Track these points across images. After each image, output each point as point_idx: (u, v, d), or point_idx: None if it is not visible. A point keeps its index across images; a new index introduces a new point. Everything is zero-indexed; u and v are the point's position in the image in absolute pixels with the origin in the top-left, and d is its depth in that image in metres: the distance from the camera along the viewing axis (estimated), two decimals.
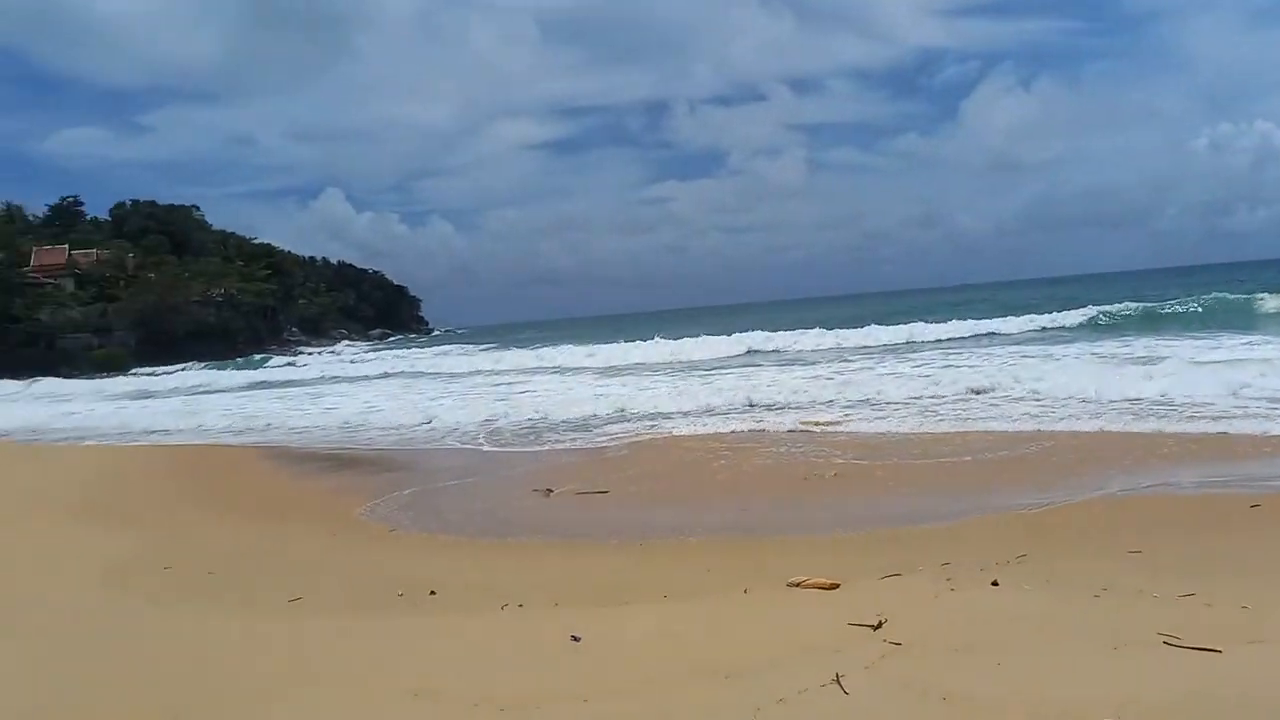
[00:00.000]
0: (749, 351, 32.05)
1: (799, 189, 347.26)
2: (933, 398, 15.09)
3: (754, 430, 13.71)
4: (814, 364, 24.36)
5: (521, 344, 55.55)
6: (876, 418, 13.80)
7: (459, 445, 14.82)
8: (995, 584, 5.41)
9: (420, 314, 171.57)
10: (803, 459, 11.25)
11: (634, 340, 40.32)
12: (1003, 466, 9.98)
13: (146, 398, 34.16)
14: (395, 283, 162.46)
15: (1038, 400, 13.86)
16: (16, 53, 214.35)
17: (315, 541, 8.50)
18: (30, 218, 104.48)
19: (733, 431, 13.73)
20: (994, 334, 32.09)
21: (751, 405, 15.98)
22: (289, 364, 50.18)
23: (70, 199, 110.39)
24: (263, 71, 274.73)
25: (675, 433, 14.15)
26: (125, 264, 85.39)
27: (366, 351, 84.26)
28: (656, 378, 24.41)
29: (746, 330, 38.32)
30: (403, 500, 10.48)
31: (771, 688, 3.97)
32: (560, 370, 31.00)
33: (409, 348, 77.99)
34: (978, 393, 14.88)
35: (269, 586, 6.70)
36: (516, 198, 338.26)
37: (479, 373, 33.11)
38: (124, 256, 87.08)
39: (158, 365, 69.56)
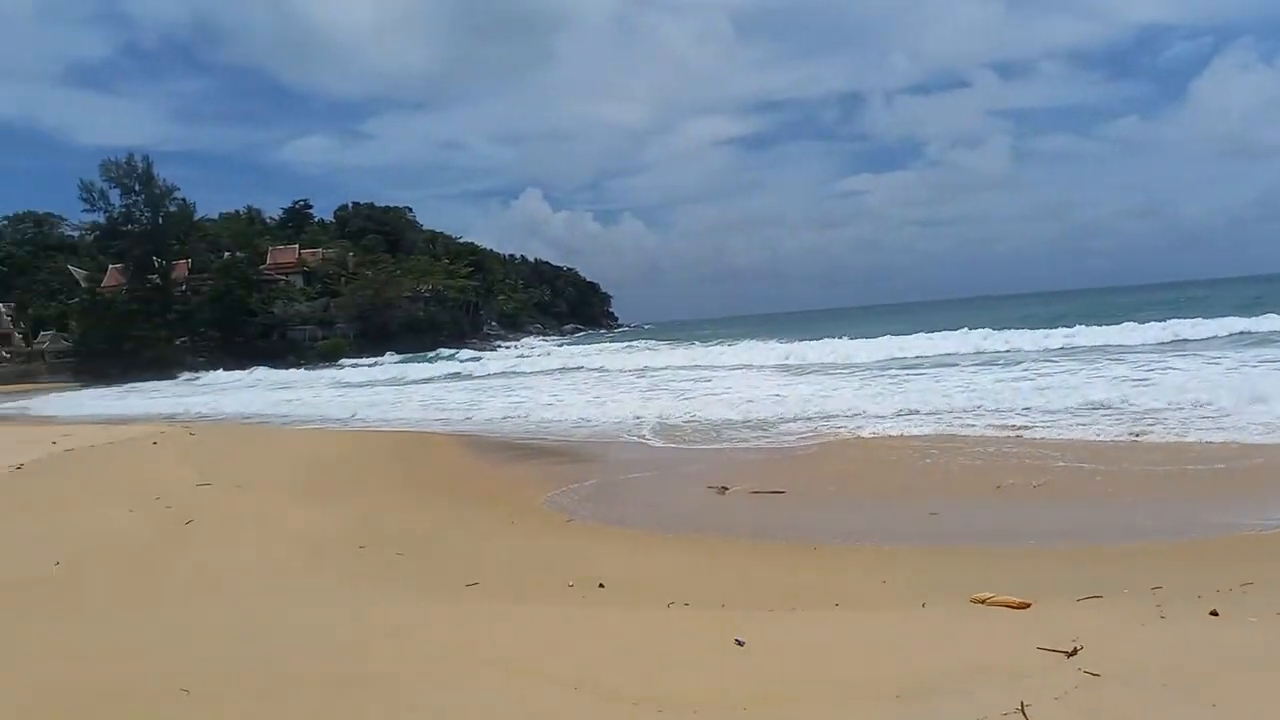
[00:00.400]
0: (942, 353, 30.39)
1: (1002, 179, 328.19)
2: (1144, 404, 13.74)
3: (946, 433, 13.00)
4: (1015, 365, 22.84)
5: (707, 340, 55.78)
6: (1078, 424, 12.73)
7: (640, 440, 14.99)
8: (1214, 614, 4.80)
9: (610, 310, 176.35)
10: (994, 465, 10.54)
11: (821, 338, 39.40)
12: (1224, 481, 8.93)
13: (361, 386, 36.97)
14: (587, 279, 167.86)
15: (1268, 409, 12.25)
16: (261, 71, 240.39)
17: (496, 528, 8.81)
18: (267, 220, 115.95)
19: (924, 434, 13.09)
20: (1241, 334, 28.16)
21: (946, 409, 15.10)
22: (473, 359, 52.63)
23: (301, 202, 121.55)
24: (470, 79, 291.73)
25: (861, 434, 13.64)
26: (347, 262, 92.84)
27: (557, 346, 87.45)
28: (844, 376, 23.69)
29: (938, 329, 36.48)
30: (583, 491, 10.71)
31: (947, 713, 3.68)
32: (746, 367, 30.70)
33: (597, 343, 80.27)
34: (1197, 403, 13.36)
35: (449, 570, 7.00)
36: (706, 194, 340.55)
37: (666, 368, 33.33)
38: (346, 255, 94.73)
39: (373, 356, 75.26)
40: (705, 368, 31.92)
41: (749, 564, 7.06)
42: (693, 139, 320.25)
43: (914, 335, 34.17)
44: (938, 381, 19.65)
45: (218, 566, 7.45)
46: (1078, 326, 31.89)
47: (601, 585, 6.33)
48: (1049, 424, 12.89)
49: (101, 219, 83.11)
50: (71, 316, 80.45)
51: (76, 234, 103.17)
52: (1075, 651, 4.27)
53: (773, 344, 39.36)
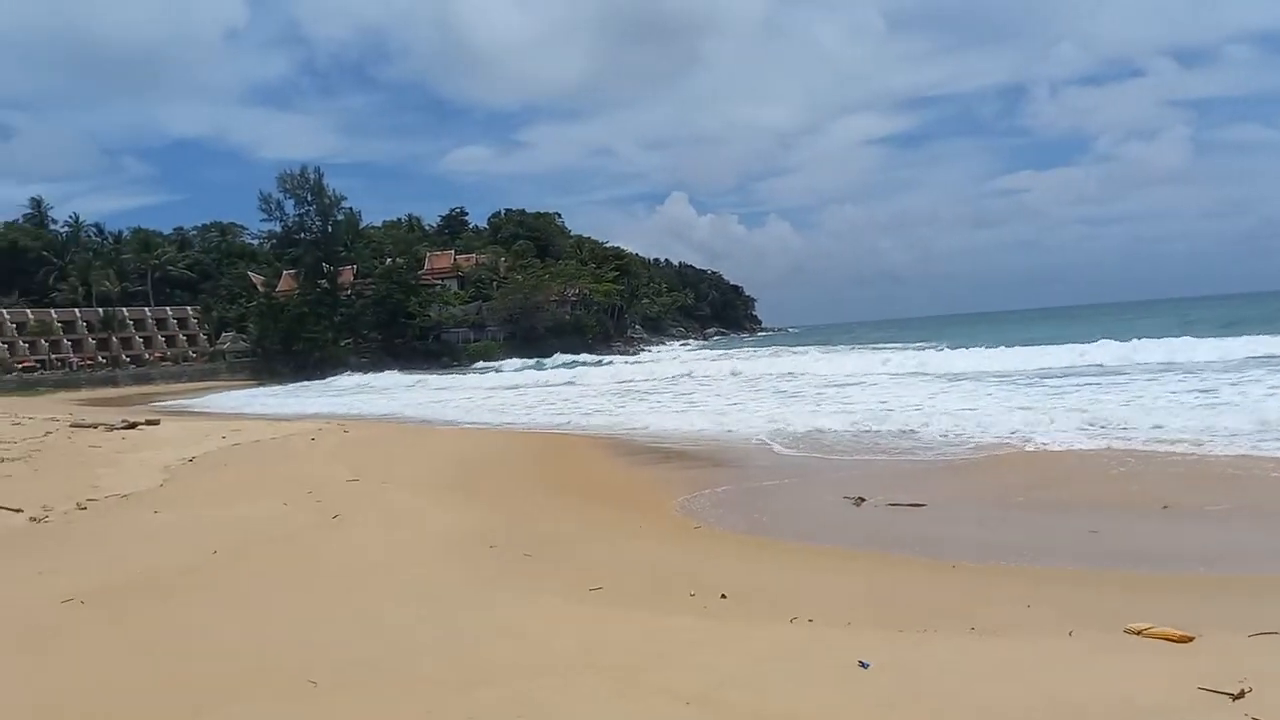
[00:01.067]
0: (1109, 360, 28.20)
1: (1181, 173, 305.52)
2: None
3: (1110, 448, 12.08)
4: (1191, 375, 21.04)
5: (853, 343, 54.40)
6: (1261, 442, 11.51)
7: (776, 447, 14.69)
8: None
9: (754, 313, 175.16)
10: (1162, 483, 9.69)
11: (976, 343, 37.60)
12: None
13: (508, 389, 38.09)
14: (731, 283, 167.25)
15: None
16: (424, 85, 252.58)
17: (623, 532, 8.78)
18: (426, 227, 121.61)
19: (1085, 448, 12.21)
20: None
21: (1111, 421, 13.98)
22: (614, 361, 53.19)
23: (458, 210, 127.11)
24: (620, 86, 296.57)
25: (1013, 446, 12.89)
26: (498, 267, 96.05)
27: (698, 349, 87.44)
28: (999, 384, 22.44)
29: (1105, 334, 34.10)
30: (714, 497, 10.56)
31: None
32: (894, 374, 29.55)
33: (739, 346, 79.77)
34: None
35: (575, 573, 6.99)
36: (855, 194, 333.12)
37: (805, 374, 32.61)
38: (498, 260, 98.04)
39: (521, 357, 77.53)
40: (852, 374, 31.04)
41: (880, 580, 6.72)
42: (842, 139, 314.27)
43: (1078, 342, 32.09)
44: (1104, 392, 18.30)
45: (357, 560, 7.74)
46: (1262, 335, 29.01)
47: (724, 596, 6.16)
48: (1228, 442, 11.74)
49: (278, 228, 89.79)
50: (249, 319, 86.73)
51: (256, 242, 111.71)
52: (1242, 694, 3.80)
53: (924, 348, 37.88)
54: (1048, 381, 22.51)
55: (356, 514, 9.88)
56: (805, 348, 54.21)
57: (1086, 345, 30.72)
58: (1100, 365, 26.30)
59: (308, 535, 8.89)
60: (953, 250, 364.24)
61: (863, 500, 9.73)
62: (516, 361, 70.47)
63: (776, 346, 68.95)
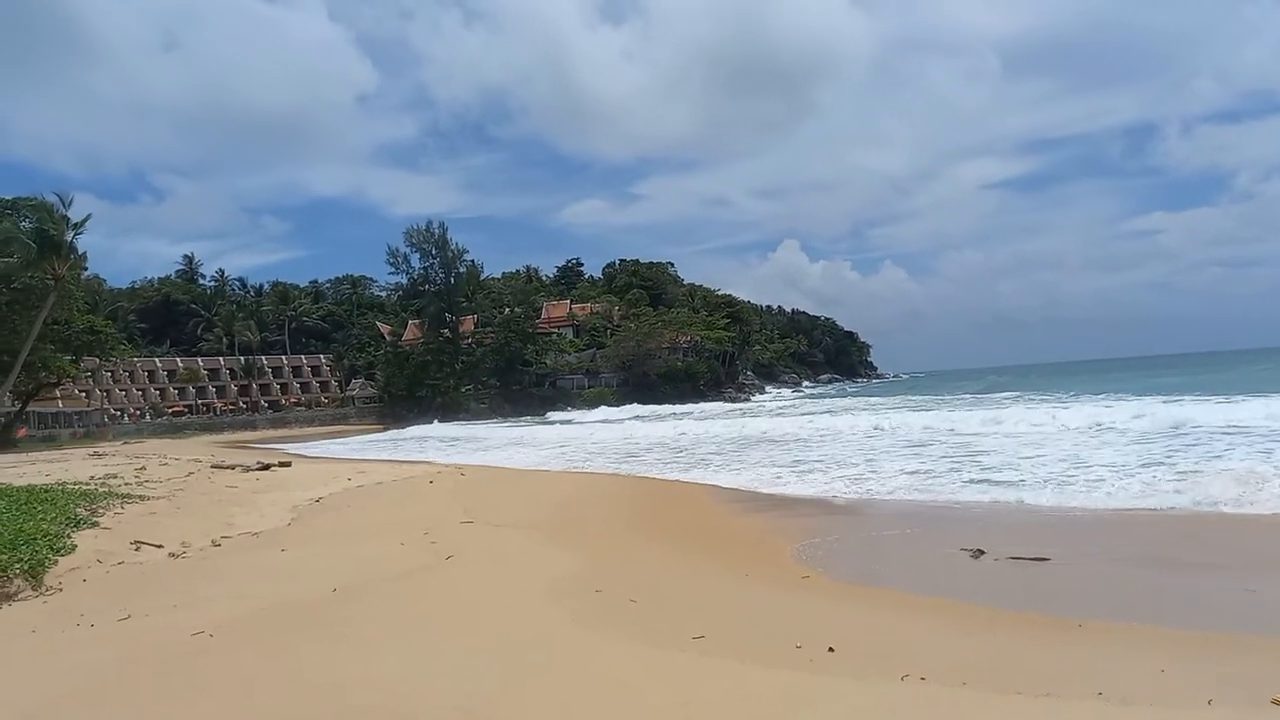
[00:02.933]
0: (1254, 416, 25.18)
1: None
2: None
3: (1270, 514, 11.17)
4: None
5: (977, 391, 52.43)
6: None
7: (896, 496, 14.26)
8: None
9: (869, 359, 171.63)
10: None
11: (1105, 391, 35.59)
12: None
13: (615, 432, 38.27)
14: (845, 329, 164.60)
15: None
16: (542, 142, 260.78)
17: (729, 579, 8.65)
18: (543, 278, 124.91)
19: (1229, 512, 11.33)
20: None
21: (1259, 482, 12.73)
22: (727, 408, 52.75)
23: (574, 261, 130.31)
24: (732, 136, 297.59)
25: (1147, 502, 12.11)
26: (612, 315, 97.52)
27: (812, 397, 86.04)
28: (1136, 441, 20.71)
29: (1247, 384, 31.54)
30: (823, 546, 10.31)
31: None
32: (1020, 435, 26.91)
33: (858, 395, 78.02)
34: None
35: (680, 620, 6.92)
36: (974, 239, 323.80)
37: (930, 429, 30.79)
38: (611, 309, 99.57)
39: (634, 404, 78.07)
40: (974, 426, 29.50)
41: (999, 638, 6.37)
42: (959, 183, 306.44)
43: (1221, 392, 29.74)
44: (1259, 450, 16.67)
45: (468, 601, 7.88)
46: None
47: (831, 649, 5.97)
48: None
49: (404, 280, 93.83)
50: (377, 366, 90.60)
51: (384, 293, 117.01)
52: None
53: (1049, 398, 36.04)
54: (1186, 432, 20.94)
55: (468, 555, 10.08)
56: (937, 397, 50.63)
57: (1233, 399, 28.15)
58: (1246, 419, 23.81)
59: (422, 575, 9.12)
60: (1079, 294, 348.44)
61: (981, 553, 9.30)
62: (631, 407, 70.95)
63: (893, 396, 67.05)
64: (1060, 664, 5.61)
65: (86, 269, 62.12)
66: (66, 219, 37.22)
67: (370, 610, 7.64)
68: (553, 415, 68.66)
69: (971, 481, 14.93)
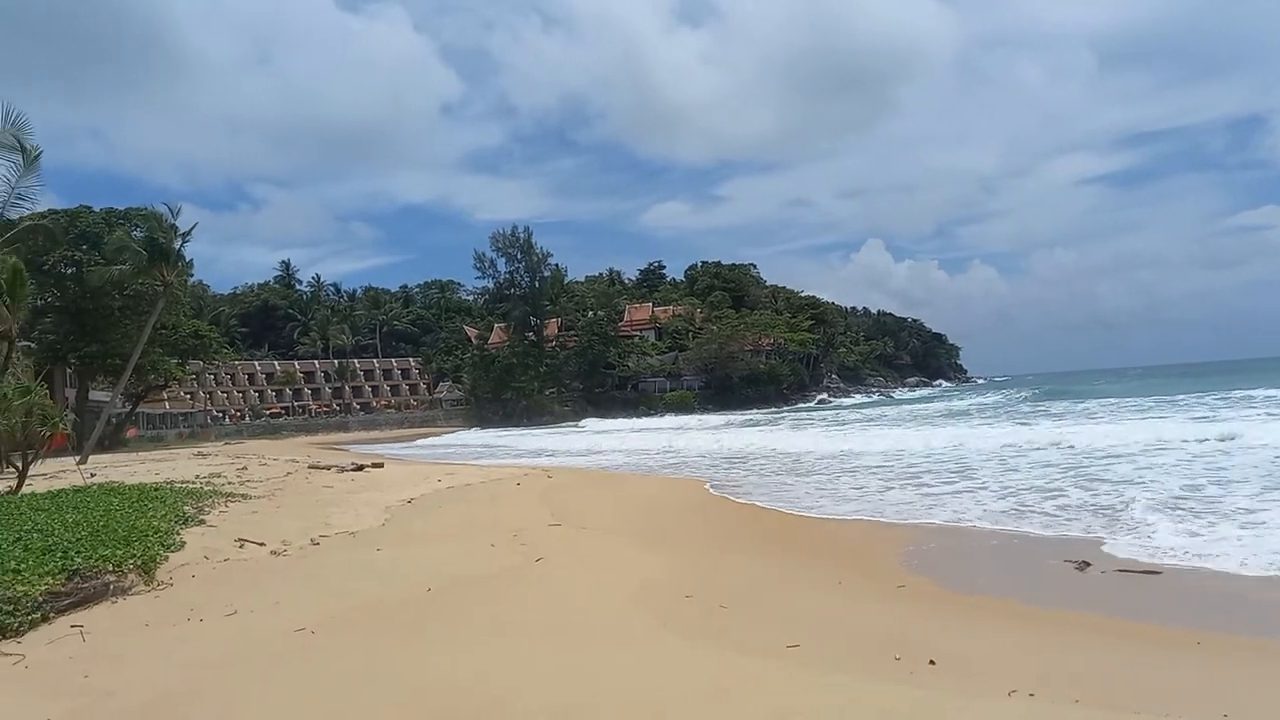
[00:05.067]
0: None
1: None
2: None
3: None
4: None
5: (1080, 395, 50.39)
6: None
7: (1001, 503, 13.82)
8: None
9: (958, 362, 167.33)
10: None
11: (1209, 391, 33.73)
12: None
13: (701, 434, 38.16)
14: (933, 330, 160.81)
15: None
16: (623, 146, 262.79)
17: (822, 587, 8.47)
18: (626, 281, 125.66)
19: None
20: None
21: None
22: (815, 411, 51.84)
23: (656, 264, 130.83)
24: (813, 137, 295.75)
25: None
26: (694, 318, 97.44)
27: (901, 399, 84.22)
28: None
29: None
30: (920, 554, 10.06)
31: None
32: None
33: (949, 398, 75.95)
34: None
35: (772, 628, 6.80)
36: (1068, 237, 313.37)
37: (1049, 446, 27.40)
38: (694, 312, 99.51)
39: (717, 407, 77.79)
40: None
41: (1112, 652, 6.06)
42: (1052, 180, 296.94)
43: None
44: None
45: (558, 603, 7.91)
46: None
47: (932, 662, 5.78)
48: None
49: (490, 284, 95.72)
50: (464, 369, 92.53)
51: (471, 297, 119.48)
52: None
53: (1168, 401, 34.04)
54: None
55: (558, 557, 10.14)
56: (1050, 403, 46.87)
57: None
58: None
59: (512, 576, 9.21)
60: (1183, 293, 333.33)
61: (1087, 565, 8.91)
62: (716, 410, 70.62)
63: (989, 395, 64.97)
64: (1180, 682, 5.31)
65: (192, 275, 65.25)
66: (175, 228, 38.94)
67: (464, 610, 7.74)
68: (636, 420, 68.87)
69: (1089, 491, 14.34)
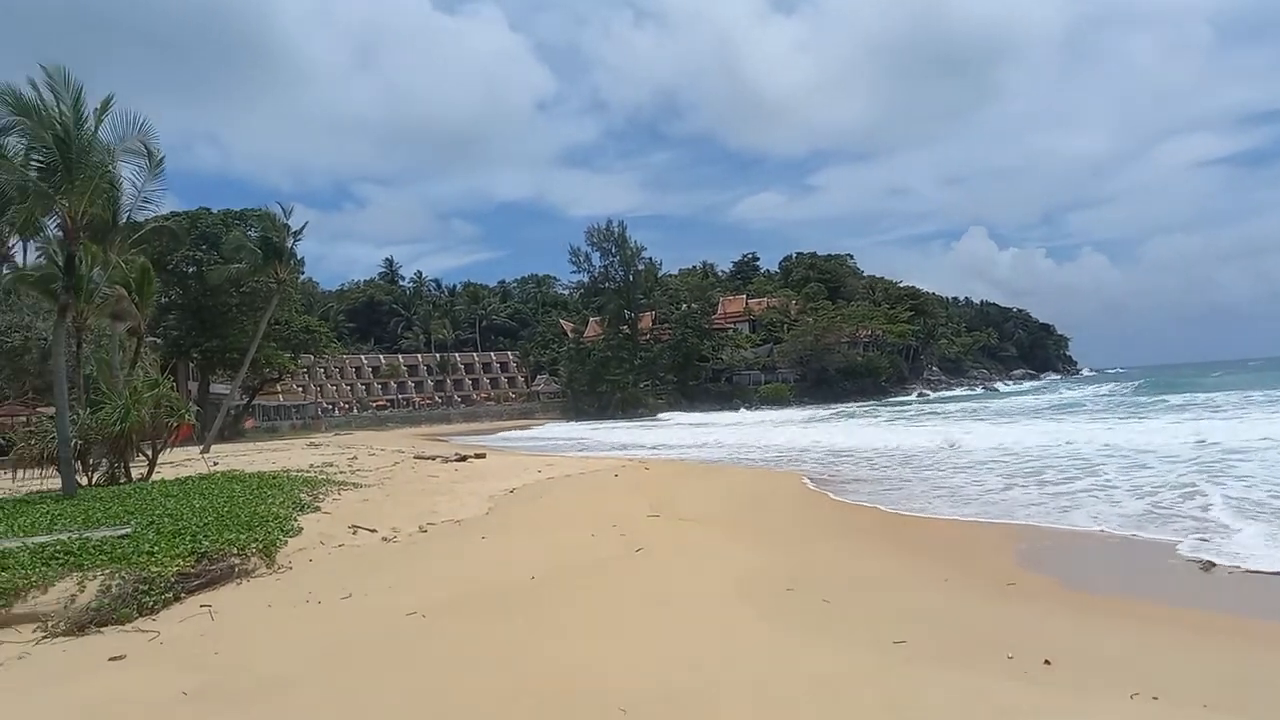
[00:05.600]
0: None
1: None
2: None
3: None
4: None
5: (1193, 387, 47.76)
6: None
7: (1126, 501, 13.25)
8: None
9: (1068, 353, 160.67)
10: None
11: None
12: None
13: (799, 427, 37.72)
14: (1039, 321, 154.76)
15: None
16: (716, 138, 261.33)
17: (928, 582, 8.26)
18: (719, 273, 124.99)
19: None
20: None
21: None
22: (914, 404, 50.49)
23: (750, 255, 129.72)
24: (912, 124, 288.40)
25: None
26: (789, 310, 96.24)
27: (1006, 392, 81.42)
28: None
29: None
30: (1037, 551, 9.70)
31: None
32: None
33: (1054, 390, 73.01)
34: None
35: (876, 623, 6.69)
36: (1187, 223, 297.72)
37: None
38: (788, 303, 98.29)
39: (812, 400, 76.78)
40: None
41: (1242, 655, 5.74)
42: (1168, 162, 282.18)
43: None
44: None
45: (660, 593, 7.95)
46: None
47: (1047, 661, 5.57)
48: None
49: (586, 278, 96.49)
50: (560, 362, 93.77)
51: (566, 292, 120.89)
52: None
53: None
54: None
55: (658, 548, 10.20)
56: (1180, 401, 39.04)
57: None
58: None
59: (614, 566, 9.31)
60: None
61: (1212, 565, 8.44)
62: (810, 402, 69.53)
63: (1102, 386, 62.07)
64: None
65: (303, 273, 67.96)
66: (287, 227, 40.62)
67: (567, 598, 7.86)
68: (730, 414, 68.57)
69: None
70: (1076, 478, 15.87)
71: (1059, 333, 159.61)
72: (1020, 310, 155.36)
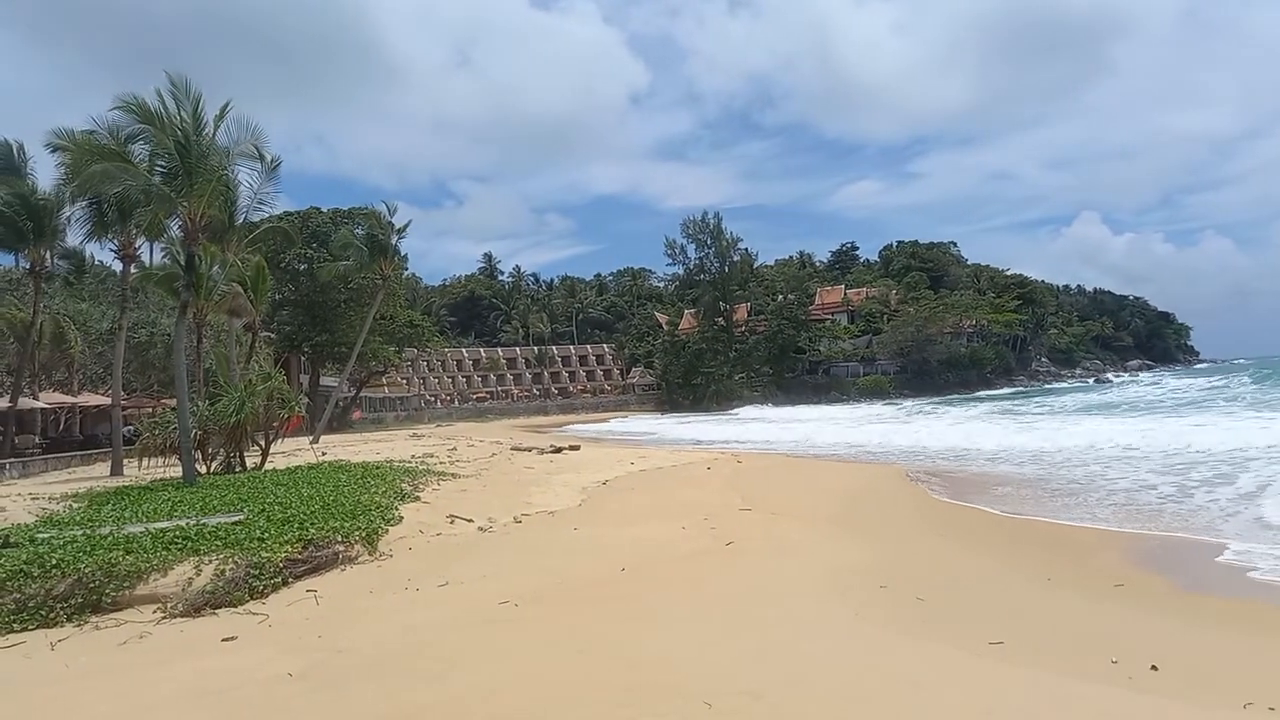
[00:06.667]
0: None
1: None
2: None
3: None
4: None
5: None
6: None
7: (1228, 506, 12.54)
8: None
9: (1188, 343, 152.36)
10: None
11: None
12: None
13: (901, 423, 36.89)
14: (1158, 309, 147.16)
15: None
16: (810, 126, 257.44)
17: (1029, 583, 8.00)
18: (817, 263, 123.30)
19: None
20: None
21: None
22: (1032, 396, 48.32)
23: (848, 245, 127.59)
24: (1017, 106, 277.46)
25: None
26: (889, 300, 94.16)
27: (1118, 383, 77.62)
28: None
29: None
30: (1144, 552, 9.28)
31: None
32: None
33: (1177, 380, 69.10)
34: None
35: (974, 623, 6.51)
36: None
37: None
38: (888, 293, 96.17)
39: (913, 393, 74.95)
40: None
41: None
42: None
43: None
44: None
45: (750, 588, 7.92)
46: None
47: (1154, 667, 5.33)
48: None
49: (680, 270, 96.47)
50: (655, 355, 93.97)
51: (662, 284, 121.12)
52: None
53: None
54: None
55: (748, 542, 10.15)
56: None
57: None
58: None
59: (704, 559, 9.31)
60: None
61: None
62: (912, 396, 67.78)
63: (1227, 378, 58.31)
64: None
65: (407, 269, 70.11)
66: (392, 224, 41.91)
67: (657, 590, 7.91)
68: (827, 408, 67.56)
69: None
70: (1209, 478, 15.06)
71: (1179, 321, 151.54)
72: (1137, 298, 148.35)
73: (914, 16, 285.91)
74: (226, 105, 17.21)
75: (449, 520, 11.82)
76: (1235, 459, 16.76)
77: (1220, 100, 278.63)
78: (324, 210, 58.14)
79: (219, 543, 8.72)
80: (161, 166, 16.96)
